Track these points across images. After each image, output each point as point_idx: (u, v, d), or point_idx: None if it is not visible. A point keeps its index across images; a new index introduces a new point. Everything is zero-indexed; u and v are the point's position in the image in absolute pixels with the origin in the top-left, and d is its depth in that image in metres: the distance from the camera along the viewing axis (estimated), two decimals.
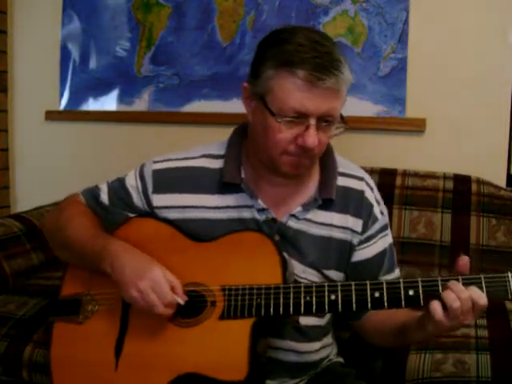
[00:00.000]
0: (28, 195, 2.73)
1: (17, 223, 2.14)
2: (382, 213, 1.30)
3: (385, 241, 1.31)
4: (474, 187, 2.00)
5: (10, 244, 2.05)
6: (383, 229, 1.30)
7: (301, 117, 1.09)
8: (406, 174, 2.08)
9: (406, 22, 2.15)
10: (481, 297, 1.02)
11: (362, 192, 1.27)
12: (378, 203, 1.31)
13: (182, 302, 1.13)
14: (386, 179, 2.07)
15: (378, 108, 2.17)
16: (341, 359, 1.39)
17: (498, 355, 1.44)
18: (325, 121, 1.11)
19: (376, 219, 1.28)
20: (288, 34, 1.11)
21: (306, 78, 1.06)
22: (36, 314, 1.75)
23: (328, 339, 1.34)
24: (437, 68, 2.14)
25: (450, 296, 1.02)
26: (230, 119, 2.36)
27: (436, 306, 1.03)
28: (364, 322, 1.29)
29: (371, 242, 1.28)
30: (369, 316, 1.28)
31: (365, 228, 1.27)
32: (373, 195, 1.30)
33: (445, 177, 2.05)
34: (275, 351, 1.22)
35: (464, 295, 1.01)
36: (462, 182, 2.02)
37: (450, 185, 2.02)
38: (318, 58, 1.06)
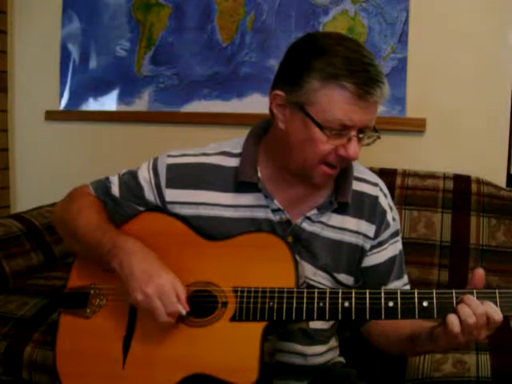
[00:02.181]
0: (28, 195, 2.73)
1: (17, 223, 2.14)
2: (394, 219, 1.31)
3: (395, 247, 1.31)
4: (474, 187, 2.00)
5: (10, 244, 2.04)
6: (394, 235, 1.31)
7: (344, 129, 1.10)
8: (406, 174, 2.08)
9: (405, 22, 2.15)
10: (496, 312, 1.01)
11: (376, 197, 1.28)
12: (391, 209, 1.31)
13: (184, 312, 1.12)
14: (385, 179, 2.04)
15: (378, 108, 2.17)
16: (342, 359, 1.38)
17: (497, 355, 1.45)
18: (364, 132, 1.13)
19: (388, 225, 1.29)
20: (327, 43, 1.11)
21: (356, 91, 1.07)
22: (36, 314, 1.75)
23: (333, 342, 1.34)
24: (437, 68, 2.14)
25: (465, 311, 1.01)
26: (230, 119, 2.39)
27: (453, 319, 1.02)
28: (369, 328, 1.29)
29: (382, 247, 1.28)
30: (375, 322, 1.27)
31: (377, 233, 1.27)
32: (386, 201, 1.30)
33: (445, 177, 2.05)
34: (282, 354, 1.22)
35: (479, 311, 1.01)
36: (461, 181, 2.02)
37: (449, 185, 2.02)
38: (366, 71, 1.07)
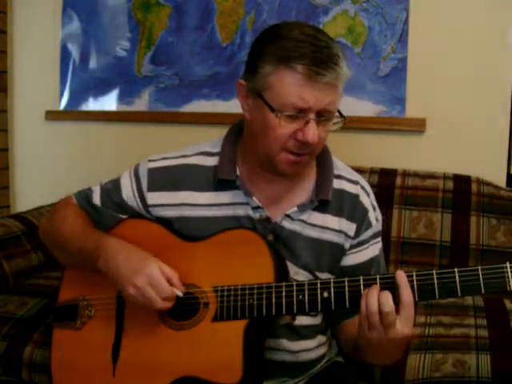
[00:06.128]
0: (28, 195, 2.73)
1: (17, 223, 2.14)
2: (376, 219, 1.29)
3: (375, 248, 1.29)
4: (474, 187, 2.00)
5: (10, 244, 2.05)
6: (376, 235, 1.29)
7: (301, 112, 1.09)
8: (406, 174, 2.08)
9: (405, 22, 2.15)
10: (387, 303, 1.00)
11: (356, 196, 1.26)
12: (374, 209, 1.29)
13: (180, 294, 1.12)
14: (385, 179, 2.07)
15: (378, 108, 2.17)
16: (341, 359, 1.38)
17: (497, 355, 1.44)
18: (323, 116, 1.11)
19: (370, 225, 1.27)
20: (284, 29, 1.11)
21: (306, 72, 1.06)
22: (36, 314, 1.75)
23: (323, 337, 1.32)
24: (437, 68, 2.14)
25: (367, 301, 1.02)
26: (229, 119, 2.35)
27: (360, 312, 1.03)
28: (338, 334, 1.29)
29: (362, 247, 1.26)
30: (339, 328, 1.28)
31: (357, 233, 1.25)
32: (369, 200, 1.28)
33: (445, 177, 2.05)
34: (269, 351, 1.21)
35: (372, 300, 1.01)
36: (461, 181, 2.03)
37: (449, 185, 2.02)
38: (317, 52, 1.06)
